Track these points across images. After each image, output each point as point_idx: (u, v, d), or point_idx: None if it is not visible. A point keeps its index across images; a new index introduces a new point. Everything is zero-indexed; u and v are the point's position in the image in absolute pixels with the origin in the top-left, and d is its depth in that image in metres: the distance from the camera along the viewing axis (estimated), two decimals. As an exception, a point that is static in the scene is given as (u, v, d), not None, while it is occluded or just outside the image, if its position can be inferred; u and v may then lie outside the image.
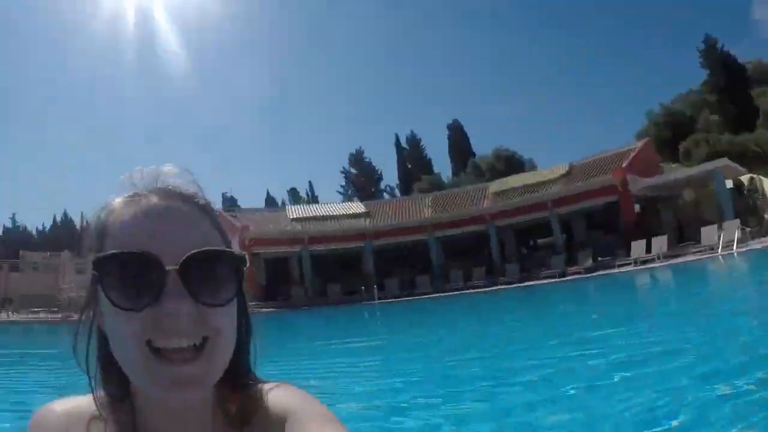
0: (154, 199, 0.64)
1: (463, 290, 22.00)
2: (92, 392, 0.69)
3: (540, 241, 28.39)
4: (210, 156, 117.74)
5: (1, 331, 17.47)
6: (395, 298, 22.61)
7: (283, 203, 56.76)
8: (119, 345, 0.61)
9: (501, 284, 21.60)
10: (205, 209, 0.68)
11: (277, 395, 0.72)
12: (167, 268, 0.59)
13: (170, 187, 0.67)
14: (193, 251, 0.60)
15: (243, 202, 60.83)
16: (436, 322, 12.64)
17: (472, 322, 11.63)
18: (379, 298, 21.41)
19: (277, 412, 0.70)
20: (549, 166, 29.56)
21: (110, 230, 0.64)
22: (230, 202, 58.78)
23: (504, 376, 4.74)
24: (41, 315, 20.74)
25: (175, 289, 0.59)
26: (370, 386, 5.02)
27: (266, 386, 0.74)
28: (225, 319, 0.63)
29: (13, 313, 21.70)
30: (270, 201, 65.82)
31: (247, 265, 0.66)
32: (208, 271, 0.61)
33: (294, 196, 67.47)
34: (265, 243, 27.24)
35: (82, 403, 0.70)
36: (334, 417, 0.68)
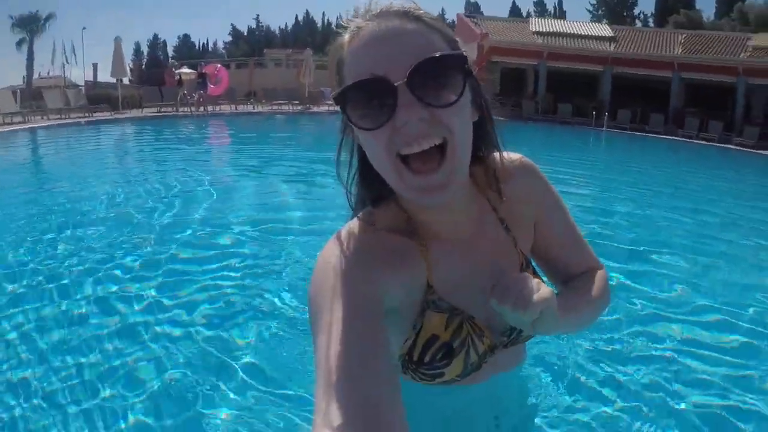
0: (372, 26, 0.68)
1: (694, 139, 21.71)
2: (351, 206, 0.83)
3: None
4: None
5: (247, 120, 19.32)
6: (624, 130, 22.73)
7: (528, 15, 54.39)
8: (374, 158, 0.72)
9: (734, 144, 20.85)
10: (421, 18, 0.69)
11: (524, 167, 0.91)
12: (395, 84, 0.64)
13: (383, 10, 0.69)
14: (415, 63, 0.64)
15: (486, 10, 60.34)
16: (666, 166, 12.47)
17: (705, 177, 11.11)
18: (608, 127, 21.56)
19: (524, 185, 0.90)
20: None
21: (344, 64, 0.70)
22: (473, 8, 58.25)
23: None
24: (283, 107, 22.37)
25: (406, 100, 0.64)
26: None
27: (507, 158, 0.87)
28: (456, 119, 0.67)
29: (257, 105, 23.15)
30: (515, 11, 63.64)
31: (469, 63, 0.69)
32: (433, 77, 0.65)
33: (540, 8, 64.55)
34: (503, 52, 27.01)
35: (361, 235, 0.78)
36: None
